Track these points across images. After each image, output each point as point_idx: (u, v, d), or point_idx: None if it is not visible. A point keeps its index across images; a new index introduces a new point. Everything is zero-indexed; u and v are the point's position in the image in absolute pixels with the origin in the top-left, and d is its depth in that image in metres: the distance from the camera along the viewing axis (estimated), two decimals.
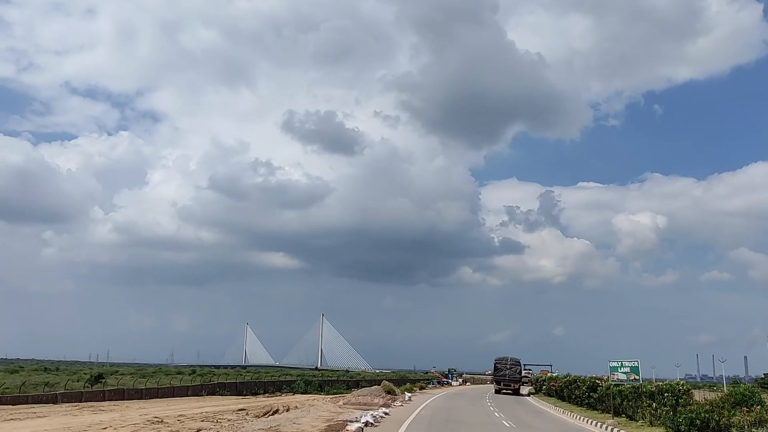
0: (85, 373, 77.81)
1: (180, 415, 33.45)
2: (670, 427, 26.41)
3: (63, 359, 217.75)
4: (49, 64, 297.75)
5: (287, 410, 38.67)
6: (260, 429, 26.09)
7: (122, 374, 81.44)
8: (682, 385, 30.96)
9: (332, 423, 28.85)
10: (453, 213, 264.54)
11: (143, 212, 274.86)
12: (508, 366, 66.99)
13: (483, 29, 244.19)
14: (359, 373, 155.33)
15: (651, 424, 30.76)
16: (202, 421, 29.86)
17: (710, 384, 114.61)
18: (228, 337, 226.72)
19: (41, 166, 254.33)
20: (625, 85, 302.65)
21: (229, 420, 30.62)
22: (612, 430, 29.86)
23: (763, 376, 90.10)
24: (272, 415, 34.99)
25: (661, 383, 34.09)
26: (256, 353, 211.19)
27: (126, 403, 52.79)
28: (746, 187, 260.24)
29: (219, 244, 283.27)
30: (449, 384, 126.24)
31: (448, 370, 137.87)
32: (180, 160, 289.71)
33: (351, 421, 29.13)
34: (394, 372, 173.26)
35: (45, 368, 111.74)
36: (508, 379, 66.48)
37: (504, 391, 65.66)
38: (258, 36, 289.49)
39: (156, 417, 32.13)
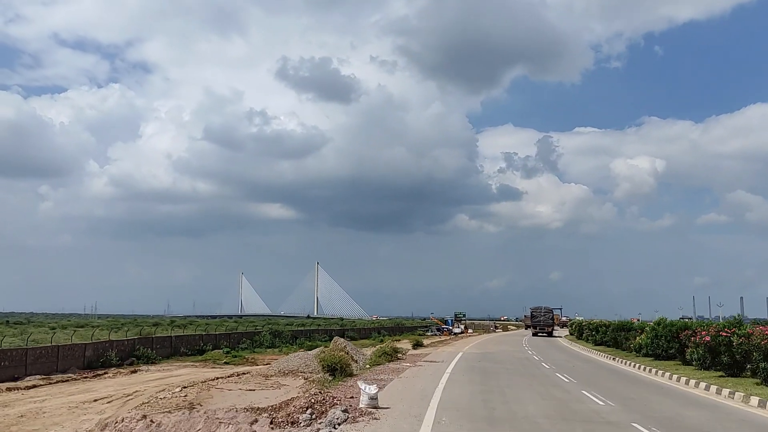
0: (50, 327, 61.21)
1: None
2: None
3: (60, 312, 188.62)
4: (37, 16, 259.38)
5: None
6: None
7: (92, 327, 62.53)
8: None
9: None
10: (450, 160, 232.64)
11: (138, 165, 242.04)
12: (542, 314, 69.82)
13: None
14: (353, 322, 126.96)
15: None
16: None
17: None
18: (224, 288, 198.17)
19: (33, 120, 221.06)
20: (625, 26, 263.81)
21: None
22: None
23: None
24: None
25: None
26: (252, 303, 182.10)
27: None
28: (744, 129, 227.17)
29: (216, 196, 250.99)
30: (449, 332, 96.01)
31: (455, 315, 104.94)
32: (173, 112, 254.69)
33: None
34: (390, 319, 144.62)
35: (7, 322, 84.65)
36: (542, 324, 68.97)
37: (539, 334, 67.65)
38: None
39: None
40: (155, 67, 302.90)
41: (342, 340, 26.95)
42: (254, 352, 53.70)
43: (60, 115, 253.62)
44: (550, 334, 68.19)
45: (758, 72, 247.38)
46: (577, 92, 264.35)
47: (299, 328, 77.89)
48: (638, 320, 65.79)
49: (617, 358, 30.15)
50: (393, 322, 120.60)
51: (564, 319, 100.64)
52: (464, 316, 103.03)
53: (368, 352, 28.93)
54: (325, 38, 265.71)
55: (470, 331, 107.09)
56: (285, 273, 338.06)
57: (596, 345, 40.42)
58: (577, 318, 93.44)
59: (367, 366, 21.93)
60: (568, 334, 69.54)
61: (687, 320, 45.58)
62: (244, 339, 58.26)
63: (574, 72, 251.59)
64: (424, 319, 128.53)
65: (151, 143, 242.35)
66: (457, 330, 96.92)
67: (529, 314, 77.40)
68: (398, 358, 26.40)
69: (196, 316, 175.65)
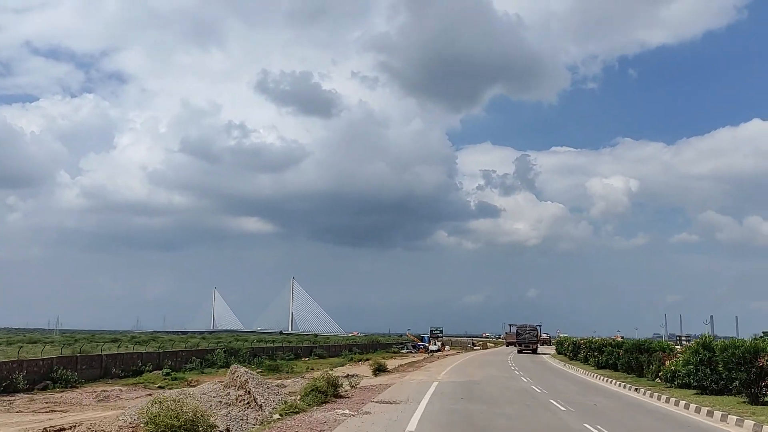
0: None
1: None
2: None
3: (25, 326, 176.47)
4: (9, 23, 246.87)
5: None
6: None
7: (44, 342, 55.27)
8: None
9: None
10: (430, 177, 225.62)
11: (112, 176, 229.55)
12: (527, 331, 69.81)
13: None
14: (328, 338, 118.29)
15: None
16: None
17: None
18: (198, 303, 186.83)
19: (3, 129, 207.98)
20: (600, 48, 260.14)
21: None
22: None
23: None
24: None
25: None
26: (225, 318, 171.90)
27: None
28: (714, 151, 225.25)
29: (192, 209, 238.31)
30: (425, 349, 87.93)
31: (431, 331, 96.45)
32: (149, 123, 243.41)
33: None
34: (366, 335, 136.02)
35: None
36: (527, 341, 68.55)
37: (524, 351, 67.06)
38: None
39: None
40: (131, 78, 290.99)
41: (243, 370, 17.20)
42: (203, 372, 45.62)
43: (31, 125, 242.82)
44: (534, 351, 67.89)
45: (727, 96, 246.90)
46: (554, 112, 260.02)
47: (264, 345, 69.09)
48: (622, 338, 61.62)
49: (643, 390, 22.14)
50: (368, 339, 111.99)
51: (545, 336, 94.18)
52: (441, 332, 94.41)
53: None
54: (307, 53, 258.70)
55: (447, 348, 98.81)
56: (261, 288, 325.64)
57: (599, 368, 32.44)
58: (561, 335, 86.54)
59: (276, 416, 12.91)
60: (554, 352, 62.21)
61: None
62: (194, 358, 49.64)
63: (551, 92, 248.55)
64: (401, 336, 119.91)
65: (126, 154, 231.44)
66: (433, 347, 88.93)
67: (511, 331, 78.00)
68: (338, 396, 17.27)
69: (166, 331, 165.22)
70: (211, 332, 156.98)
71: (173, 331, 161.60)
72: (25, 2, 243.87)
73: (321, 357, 67.75)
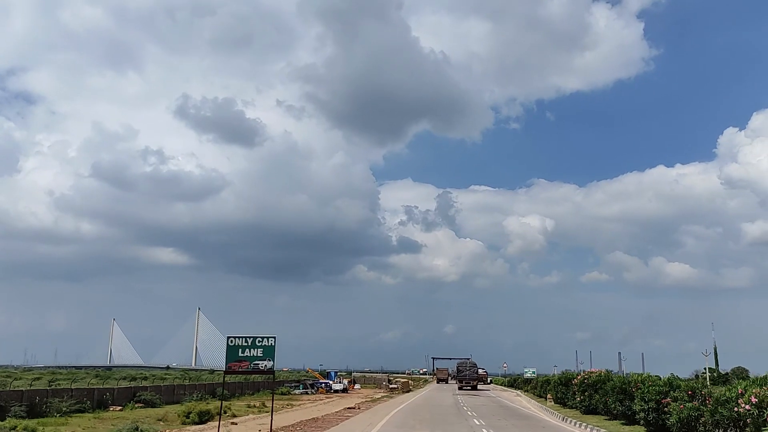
0: None
1: None
2: None
3: None
4: None
5: None
6: None
7: None
8: None
9: None
10: (352, 211, 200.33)
11: (14, 201, 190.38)
12: (467, 368, 65.59)
13: (388, 24, 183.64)
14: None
15: None
16: None
17: None
18: (96, 336, 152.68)
19: None
20: (518, 91, 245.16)
21: None
22: None
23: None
24: None
25: None
26: (124, 352, 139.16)
27: None
28: (621, 194, 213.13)
29: (102, 238, 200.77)
30: (327, 388, 60.75)
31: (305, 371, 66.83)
32: (57, 146, 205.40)
33: None
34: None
35: None
36: (468, 378, 64.34)
37: (465, 387, 63.13)
38: (149, 18, 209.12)
39: None
40: (40, 99, 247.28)
41: None
42: None
43: None
44: (474, 388, 63.66)
45: (634, 142, 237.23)
46: (477, 150, 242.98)
47: (29, 388, 39.50)
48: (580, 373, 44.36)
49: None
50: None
51: (482, 371, 74.03)
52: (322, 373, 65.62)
53: None
54: (230, 81, 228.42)
55: (357, 386, 71.95)
56: (172, 322, 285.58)
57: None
58: (529, 371, 68.71)
59: None
60: (531, 396, 43.62)
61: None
62: None
63: (475, 130, 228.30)
64: (307, 372, 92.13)
65: (31, 179, 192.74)
66: (338, 386, 62.31)
67: (438, 366, 78.61)
68: None
69: (57, 366, 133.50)
70: (108, 367, 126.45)
71: (65, 366, 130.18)
72: None
73: (150, 404, 39.21)
